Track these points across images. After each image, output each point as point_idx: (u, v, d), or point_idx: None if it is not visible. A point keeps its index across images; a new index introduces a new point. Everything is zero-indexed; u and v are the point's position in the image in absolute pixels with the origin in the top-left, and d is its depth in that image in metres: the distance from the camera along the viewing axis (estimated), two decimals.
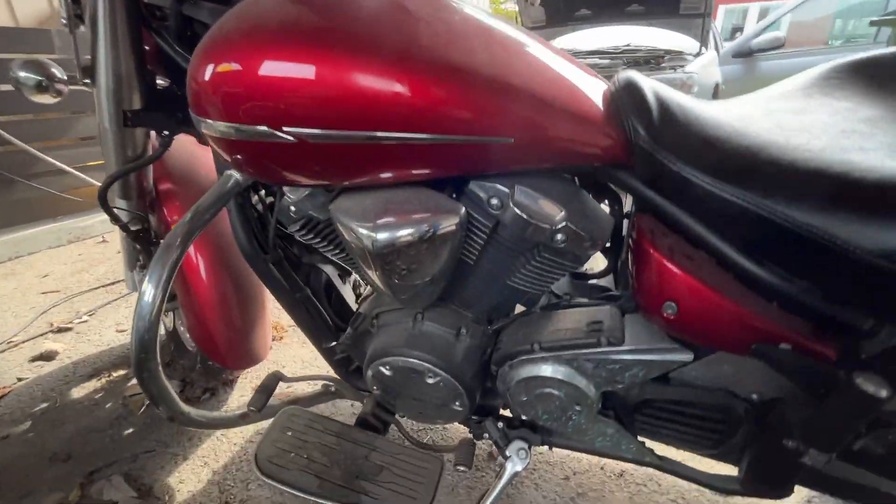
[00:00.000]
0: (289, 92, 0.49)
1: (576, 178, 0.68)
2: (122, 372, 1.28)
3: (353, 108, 0.49)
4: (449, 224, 0.58)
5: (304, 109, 0.50)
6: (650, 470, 0.92)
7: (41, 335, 1.46)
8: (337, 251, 0.76)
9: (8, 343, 1.42)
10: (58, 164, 2.11)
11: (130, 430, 1.07)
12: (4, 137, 1.93)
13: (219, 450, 1.03)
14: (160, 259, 0.63)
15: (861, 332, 0.50)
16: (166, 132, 0.85)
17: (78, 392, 1.20)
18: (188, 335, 1.15)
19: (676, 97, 0.59)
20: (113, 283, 1.81)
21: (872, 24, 2.64)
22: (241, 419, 0.84)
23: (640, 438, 0.73)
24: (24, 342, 1.43)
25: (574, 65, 0.63)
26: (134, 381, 1.24)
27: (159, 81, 0.83)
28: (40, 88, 0.76)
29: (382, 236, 0.56)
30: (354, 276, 0.98)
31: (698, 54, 3.30)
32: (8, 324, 1.54)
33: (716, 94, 3.25)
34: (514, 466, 0.75)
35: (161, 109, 0.81)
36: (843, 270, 0.46)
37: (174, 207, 0.97)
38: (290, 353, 1.35)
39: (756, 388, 0.60)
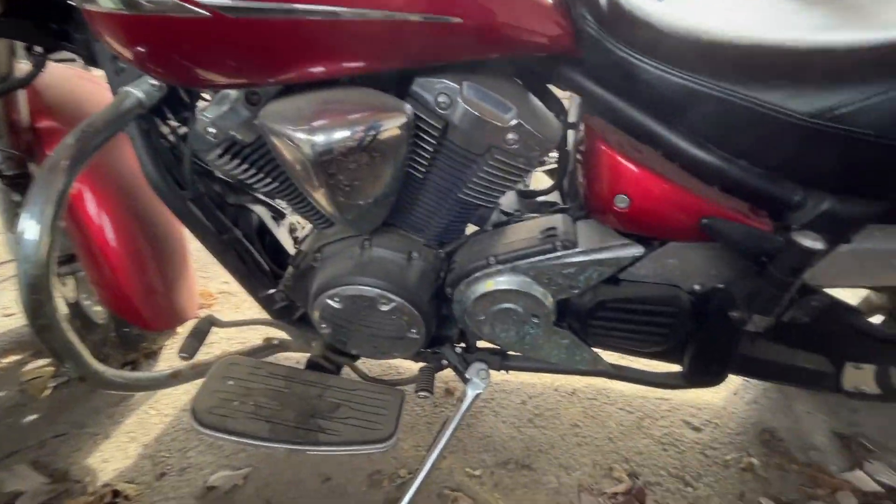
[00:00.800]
0: None
1: (521, 83, 0.66)
2: (14, 357, 1.10)
3: None
4: (395, 124, 0.53)
5: None
6: (600, 385, 0.97)
7: None
8: (269, 180, 0.68)
9: None
10: None
11: (34, 417, 0.93)
12: None
13: (147, 423, 0.92)
14: (43, 185, 0.52)
15: (792, 205, 0.53)
16: (38, 48, 0.70)
17: None
18: (96, 301, 1.01)
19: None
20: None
21: None
22: (170, 379, 0.75)
23: (593, 350, 0.75)
24: None
25: None
26: (31, 365, 1.07)
27: None
28: None
29: (321, 138, 0.51)
30: (290, 218, 0.90)
31: None
32: None
33: None
34: (475, 388, 0.74)
35: (28, 17, 0.66)
36: (778, 138, 0.49)
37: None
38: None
39: (699, 279, 0.63)
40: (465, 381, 0.75)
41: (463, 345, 0.82)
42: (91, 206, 0.80)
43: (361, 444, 0.64)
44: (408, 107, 0.54)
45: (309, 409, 0.66)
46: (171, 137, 0.67)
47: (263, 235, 0.83)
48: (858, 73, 0.45)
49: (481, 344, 0.80)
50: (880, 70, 0.44)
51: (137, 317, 0.85)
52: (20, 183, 0.82)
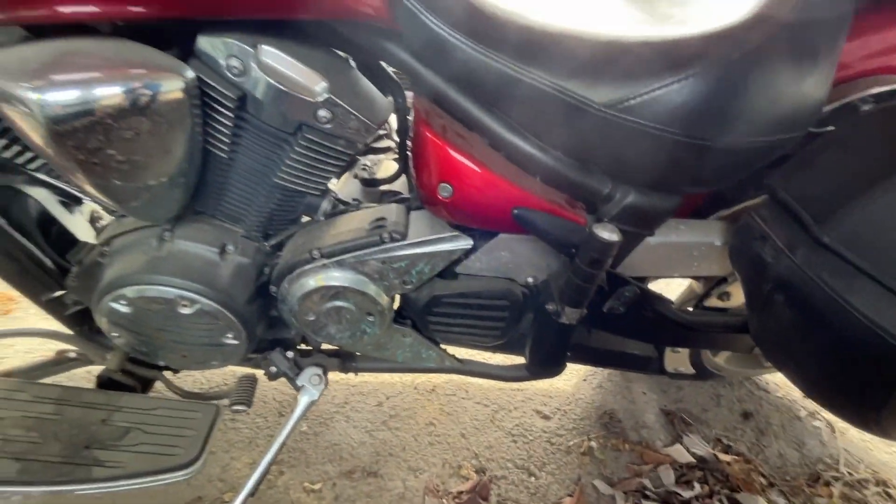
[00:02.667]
0: None
1: (350, 60, 0.60)
2: None
3: None
4: (168, 88, 0.44)
5: None
6: (459, 382, 0.95)
7: None
8: (32, 155, 0.55)
9: None
10: None
11: None
12: None
13: None
14: None
15: (602, 197, 0.54)
16: None
17: None
18: None
19: None
20: None
21: None
22: None
23: (439, 346, 0.72)
24: None
25: None
26: None
27: None
28: None
29: (62, 101, 0.40)
30: (90, 203, 0.74)
31: None
32: None
33: None
34: (308, 396, 0.67)
35: None
36: (580, 127, 0.48)
37: None
38: (23, 325, 1.01)
39: (531, 272, 0.63)
40: (297, 388, 0.67)
41: (303, 347, 0.75)
42: None
43: (153, 474, 0.53)
44: (186, 67, 0.45)
45: (84, 439, 0.54)
46: None
47: (49, 225, 0.67)
48: (645, 67, 0.45)
49: (325, 346, 0.73)
50: (662, 64, 0.45)
51: None
52: None
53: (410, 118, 0.66)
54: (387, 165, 0.81)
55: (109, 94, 0.41)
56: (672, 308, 0.66)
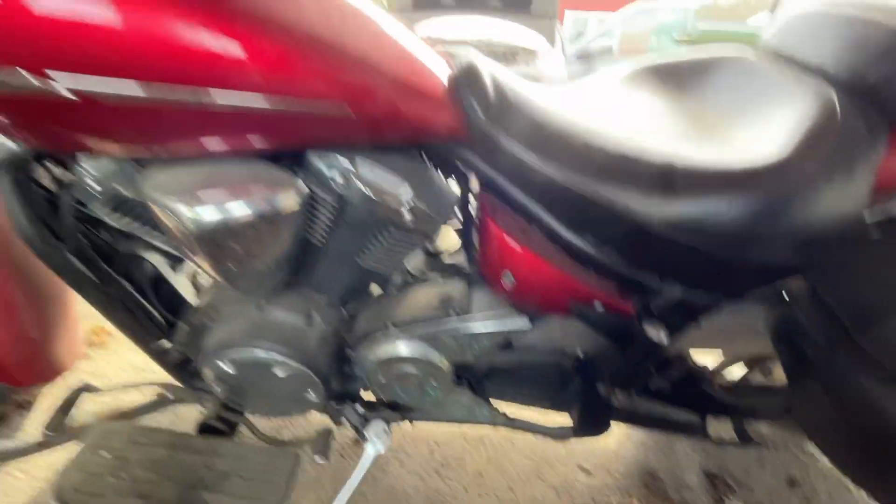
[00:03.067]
0: (62, 27, 0.40)
1: (423, 153, 0.69)
2: None
3: (153, 54, 0.42)
4: (287, 200, 0.53)
5: (86, 50, 0.41)
6: (506, 433, 1.00)
7: None
8: (161, 234, 0.66)
9: None
10: None
11: None
12: None
13: (13, 487, 0.83)
14: None
15: (651, 292, 0.60)
16: None
17: None
18: None
19: (511, 80, 0.63)
20: None
21: (678, 42, 3.21)
22: (38, 447, 0.68)
23: (491, 402, 0.78)
24: None
25: (418, 40, 0.63)
26: None
27: None
28: None
29: (210, 216, 0.50)
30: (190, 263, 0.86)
31: (548, 52, 3.65)
32: None
33: None
34: (374, 449, 0.75)
35: None
36: (638, 237, 0.55)
37: None
38: (117, 362, 1.15)
39: (580, 347, 0.69)
40: (365, 440, 0.75)
41: (367, 397, 0.83)
42: None
43: None
44: (301, 183, 0.55)
45: (192, 482, 0.63)
46: (48, 184, 0.62)
47: (159, 282, 0.79)
48: (700, 191, 0.51)
49: None
50: (717, 190, 0.51)
51: (3, 373, 0.77)
52: None
53: (472, 201, 0.74)
54: (447, 236, 0.89)
55: (242, 209, 0.51)
56: (715, 385, 0.70)
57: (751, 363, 0.77)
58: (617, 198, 0.54)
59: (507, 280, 0.61)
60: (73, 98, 0.42)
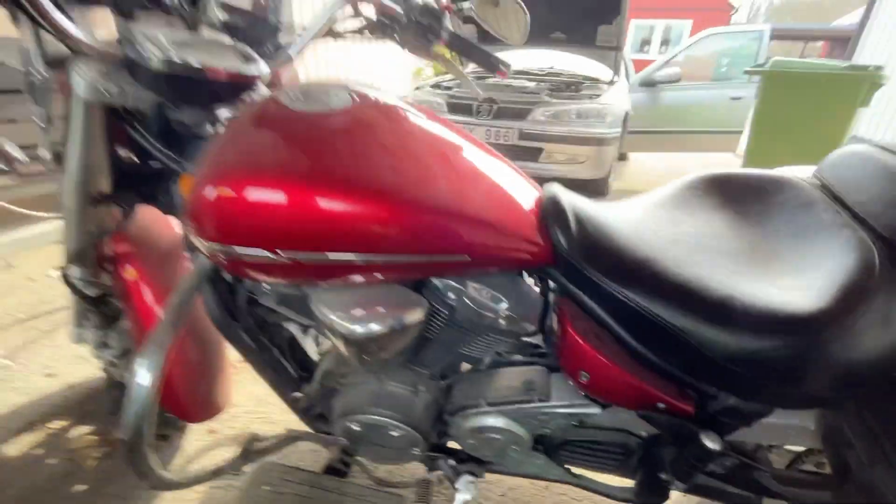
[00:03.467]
0: (282, 221, 0.59)
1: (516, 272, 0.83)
2: (61, 423, 1.24)
3: (341, 234, 0.60)
4: (414, 317, 0.70)
5: (297, 235, 0.60)
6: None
7: None
8: (308, 318, 0.85)
9: None
10: None
11: (83, 487, 1.07)
12: None
13: (183, 498, 1.07)
14: (153, 346, 0.69)
15: (708, 396, 0.71)
16: (128, 206, 0.88)
17: (14, 449, 1.16)
18: None
19: (590, 210, 0.76)
20: (29, 319, 1.69)
21: (746, 72, 3.14)
22: (214, 474, 0.90)
23: (562, 466, 0.92)
24: None
25: (512, 171, 0.78)
26: (76, 432, 1.22)
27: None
28: (1, 172, 0.76)
29: (360, 330, 0.68)
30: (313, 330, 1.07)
31: (611, 82, 3.69)
32: None
33: (626, 120, 3.66)
34: (463, 497, 0.90)
35: (128, 187, 0.84)
36: (698, 357, 0.66)
37: (131, 268, 0.98)
38: (243, 391, 1.39)
39: (644, 429, 0.81)
40: (456, 490, 0.91)
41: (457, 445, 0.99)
42: (148, 298, 0.96)
43: None
44: (426, 302, 0.72)
45: None
46: (231, 280, 0.84)
47: (292, 343, 1.00)
48: (755, 329, 0.62)
49: None
50: (773, 329, 0.61)
51: (181, 410, 1.01)
52: (97, 301, 0.98)
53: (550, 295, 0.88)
54: None
55: (383, 325, 0.68)
56: (768, 476, 0.78)
57: (804, 453, 0.85)
58: (681, 323, 0.66)
59: (583, 377, 0.75)
60: (287, 262, 0.62)
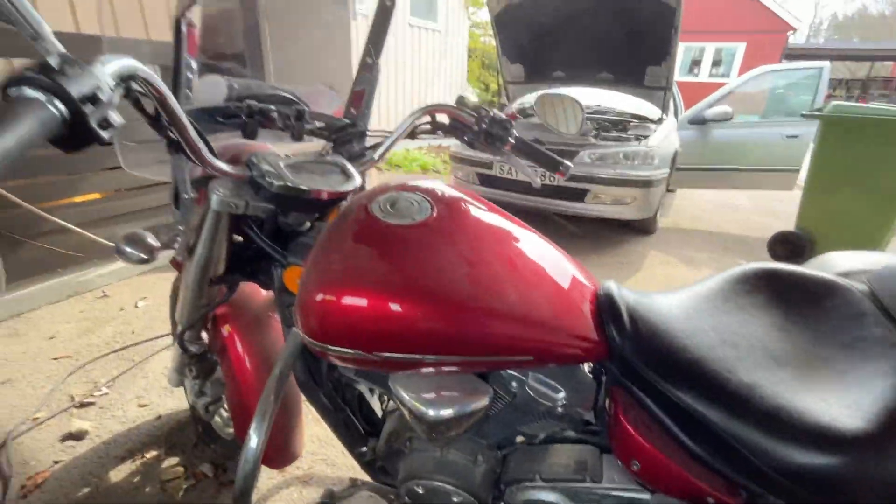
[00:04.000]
0: (376, 328, 0.70)
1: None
2: (153, 453, 1.41)
3: (427, 338, 0.71)
4: (480, 403, 0.79)
5: (389, 339, 0.71)
6: None
7: (64, 410, 1.56)
8: (379, 384, 0.96)
9: (33, 420, 1.51)
10: (62, 222, 2.18)
11: None
12: (11, 200, 2.00)
13: None
14: (260, 417, 0.81)
15: (756, 493, 0.75)
16: (234, 283, 1.03)
17: (115, 475, 1.33)
18: (227, 424, 1.32)
19: (643, 307, 0.83)
20: (123, 348, 1.91)
21: (804, 116, 3.07)
22: None
23: None
24: (48, 419, 1.52)
25: (571, 264, 0.86)
26: (168, 463, 1.37)
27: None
28: (142, 261, 0.93)
29: (432, 414, 0.77)
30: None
31: (660, 120, 3.69)
32: (27, 396, 1.62)
33: (674, 160, 3.64)
34: None
35: (236, 270, 0.99)
36: (746, 463, 0.71)
37: (228, 328, 1.13)
38: (306, 432, 1.52)
39: None
40: None
41: None
42: (241, 354, 1.10)
43: None
44: (490, 389, 0.81)
45: None
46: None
47: (361, 402, 1.11)
48: (799, 441, 0.66)
49: None
50: (812, 445, 0.65)
51: (265, 457, 1.14)
52: (197, 356, 1.14)
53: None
54: None
55: (453, 410, 0.77)
56: None
57: None
58: (730, 429, 0.71)
59: (634, 465, 0.81)
60: (377, 360, 0.73)
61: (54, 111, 0.42)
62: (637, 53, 3.57)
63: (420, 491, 0.94)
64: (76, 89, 0.43)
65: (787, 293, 0.90)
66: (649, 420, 0.82)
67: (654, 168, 3.21)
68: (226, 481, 1.31)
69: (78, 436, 1.45)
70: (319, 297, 0.73)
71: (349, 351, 0.72)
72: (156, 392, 1.67)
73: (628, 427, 0.81)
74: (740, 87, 4.04)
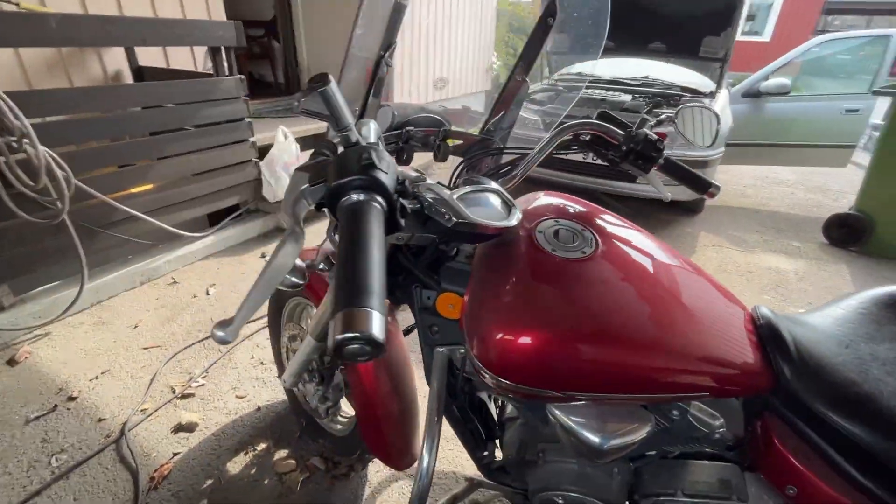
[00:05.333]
0: (568, 366, 0.72)
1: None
2: (262, 445, 1.48)
3: (614, 379, 0.72)
4: (643, 431, 0.81)
5: (576, 379, 0.72)
6: None
7: (168, 402, 1.64)
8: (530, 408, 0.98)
9: (142, 412, 1.59)
10: (133, 211, 2.20)
11: None
12: (88, 192, 2.01)
13: None
14: (429, 437, 0.85)
15: None
16: None
17: (232, 467, 1.41)
18: (334, 422, 1.37)
19: (805, 337, 0.83)
20: (207, 338, 1.97)
21: (875, 93, 2.92)
22: None
23: None
24: (155, 410, 1.60)
25: (719, 292, 0.86)
26: (279, 456, 1.45)
27: None
28: (295, 286, 0.95)
29: (603, 444, 0.79)
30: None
31: (713, 93, 3.54)
32: (128, 387, 1.70)
33: (728, 134, 3.51)
34: None
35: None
36: None
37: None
38: None
39: None
40: None
41: None
42: (375, 382, 1.14)
43: None
44: (652, 417, 0.82)
45: None
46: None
47: (482, 408, 1.15)
48: None
49: None
50: None
51: (391, 460, 1.19)
52: (323, 369, 1.18)
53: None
54: None
55: (617, 437, 0.79)
56: None
57: None
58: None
59: (790, 490, 0.83)
60: (562, 396, 0.74)
61: (379, 207, 0.42)
62: (694, 22, 3.39)
63: (559, 501, 0.99)
64: (390, 183, 0.43)
65: None
66: (808, 448, 0.83)
67: (711, 148, 3.11)
68: (338, 474, 1.38)
69: (189, 427, 1.53)
70: (499, 335, 0.74)
71: (536, 391, 0.74)
72: (249, 383, 1.74)
73: (787, 455, 0.83)
74: (800, 57, 3.84)
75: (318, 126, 3.53)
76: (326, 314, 1.05)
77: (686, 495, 0.92)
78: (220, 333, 0.57)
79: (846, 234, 3.10)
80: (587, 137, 0.99)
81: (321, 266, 0.96)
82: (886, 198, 2.90)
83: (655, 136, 0.92)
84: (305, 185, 0.54)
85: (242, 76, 2.53)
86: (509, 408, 1.22)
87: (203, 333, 2.00)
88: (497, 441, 1.14)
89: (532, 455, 1.04)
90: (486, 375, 0.78)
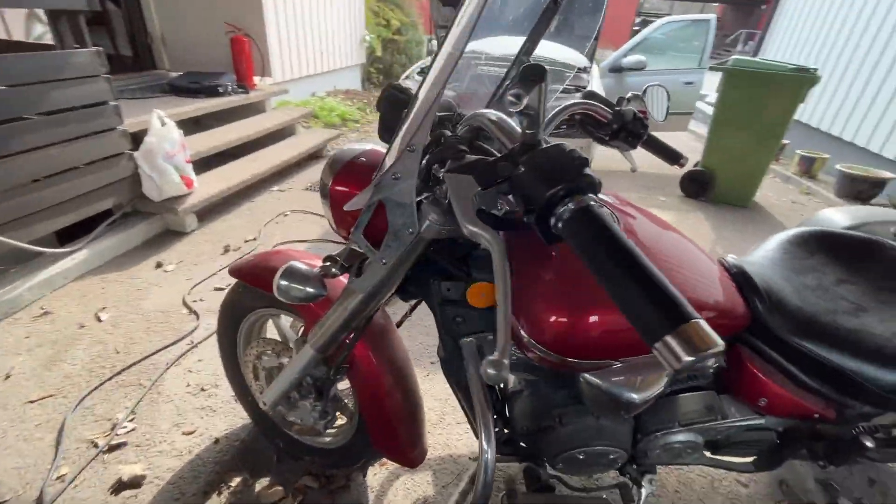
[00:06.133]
0: (615, 337, 0.78)
1: None
2: (237, 480, 1.30)
3: (630, 342, 0.81)
4: (664, 380, 0.92)
5: (616, 347, 0.80)
6: (735, 479, 1.44)
7: (93, 459, 1.33)
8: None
9: (58, 480, 1.27)
10: None
11: None
12: None
13: None
14: (485, 430, 0.84)
15: (846, 406, 1.03)
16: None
17: None
18: (327, 440, 1.27)
19: (764, 276, 1.01)
20: (120, 372, 1.63)
21: (712, 69, 3.55)
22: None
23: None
24: (78, 473, 1.29)
25: (698, 247, 1.00)
26: (261, 486, 1.29)
27: None
28: (313, 298, 0.84)
29: (638, 400, 0.87)
30: None
31: (587, 68, 3.93)
32: (25, 454, 1.33)
33: None
34: (647, 491, 1.18)
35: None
36: (856, 388, 0.96)
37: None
38: None
39: (781, 426, 1.13)
40: (640, 486, 1.17)
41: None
42: (375, 368, 1.08)
43: None
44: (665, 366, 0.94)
45: None
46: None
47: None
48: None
49: None
50: None
51: (403, 458, 1.15)
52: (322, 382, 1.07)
53: None
54: None
55: (652, 391, 0.89)
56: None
57: None
58: (849, 366, 0.94)
59: (761, 401, 1.03)
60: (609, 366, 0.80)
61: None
62: (570, 2, 3.68)
63: (581, 457, 1.07)
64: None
65: (838, 252, 1.16)
66: (772, 368, 1.03)
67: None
68: (336, 488, 1.29)
69: (134, 483, 1.27)
70: (553, 316, 0.77)
71: (578, 360, 0.79)
72: (194, 415, 1.50)
73: (758, 374, 1.02)
74: (650, 36, 4.46)
75: (197, 108, 3.03)
76: (333, 327, 0.95)
77: (682, 425, 1.08)
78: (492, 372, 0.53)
79: (697, 187, 3.79)
80: (578, 117, 1.04)
81: (333, 271, 0.86)
82: (723, 156, 3.60)
83: (640, 115, 1.00)
84: (477, 189, 0.51)
85: (100, 48, 2.04)
86: (512, 383, 1.27)
87: (109, 369, 1.64)
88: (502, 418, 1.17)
89: (548, 421, 1.10)
90: (540, 353, 0.80)
